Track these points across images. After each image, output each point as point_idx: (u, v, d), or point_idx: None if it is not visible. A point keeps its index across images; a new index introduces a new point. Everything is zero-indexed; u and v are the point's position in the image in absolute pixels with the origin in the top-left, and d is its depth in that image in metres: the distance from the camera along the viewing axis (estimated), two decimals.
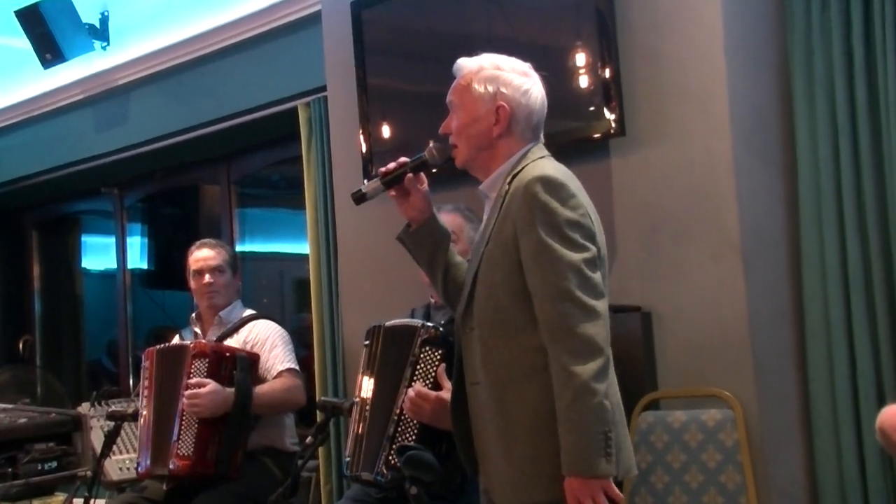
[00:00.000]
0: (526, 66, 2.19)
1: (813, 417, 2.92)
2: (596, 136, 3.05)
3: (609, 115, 3.03)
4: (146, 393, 3.37)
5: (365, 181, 3.74)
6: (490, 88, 2.12)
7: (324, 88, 4.04)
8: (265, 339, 3.48)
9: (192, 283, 3.62)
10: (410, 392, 2.53)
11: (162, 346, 3.51)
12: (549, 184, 2.01)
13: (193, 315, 3.69)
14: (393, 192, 2.23)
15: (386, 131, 3.69)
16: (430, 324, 2.67)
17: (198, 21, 4.70)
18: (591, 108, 3.07)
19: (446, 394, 2.47)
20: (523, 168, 2.09)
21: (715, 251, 2.88)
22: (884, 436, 1.78)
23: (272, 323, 3.58)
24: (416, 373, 2.57)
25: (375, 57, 3.69)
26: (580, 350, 1.93)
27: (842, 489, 2.85)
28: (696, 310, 2.92)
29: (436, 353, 2.58)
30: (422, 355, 2.59)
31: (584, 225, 2.01)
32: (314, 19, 4.13)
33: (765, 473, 2.81)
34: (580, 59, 3.09)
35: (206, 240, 3.74)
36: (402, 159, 2.22)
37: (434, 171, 2.26)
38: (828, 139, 2.90)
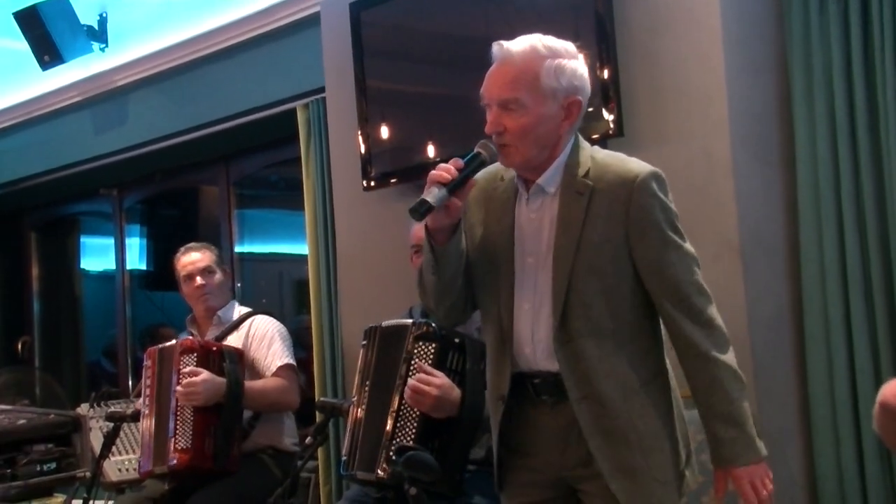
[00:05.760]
0: (573, 46, 2.00)
1: (812, 418, 2.92)
2: (594, 137, 3.04)
3: (607, 116, 3.03)
4: (148, 392, 3.38)
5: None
6: (562, 82, 1.93)
7: (322, 90, 4.04)
8: (264, 335, 3.49)
9: (185, 288, 3.62)
10: (412, 381, 2.50)
11: (162, 345, 3.51)
12: (660, 179, 1.96)
13: (189, 318, 3.69)
14: (458, 201, 1.95)
15: (384, 132, 3.69)
16: (421, 320, 2.66)
17: (196, 22, 4.70)
18: (590, 109, 3.03)
19: (446, 380, 2.49)
20: (593, 160, 1.97)
21: (714, 252, 2.87)
22: (886, 412, 1.69)
23: (271, 318, 3.59)
24: (412, 369, 2.57)
25: (374, 58, 3.68)
26: (722, 341, 1.96)
27: (841, 490, 2.85)
28: None
29: (429, 347, 2.57)
30: (415, 351, 2.58)
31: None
32: (313, 21, 4.13)
33: None
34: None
35: (191, 243, 3.73)
36: (458, 161, 1.96)
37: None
38: (827, 140, 2.90)
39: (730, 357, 1.96)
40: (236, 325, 3.56)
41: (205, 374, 3.23)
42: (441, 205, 1.93)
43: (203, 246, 3.70)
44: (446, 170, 1.94)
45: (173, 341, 3.68)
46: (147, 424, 3.34)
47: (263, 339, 3.48)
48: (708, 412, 1.96)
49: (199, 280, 3.56)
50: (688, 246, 1.97)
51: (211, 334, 3.58)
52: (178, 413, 3.24)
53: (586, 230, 1.92)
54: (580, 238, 1.92)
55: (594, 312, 1.93)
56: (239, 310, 3.64)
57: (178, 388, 3.23)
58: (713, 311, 1.97)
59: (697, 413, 2.01)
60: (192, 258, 3.60)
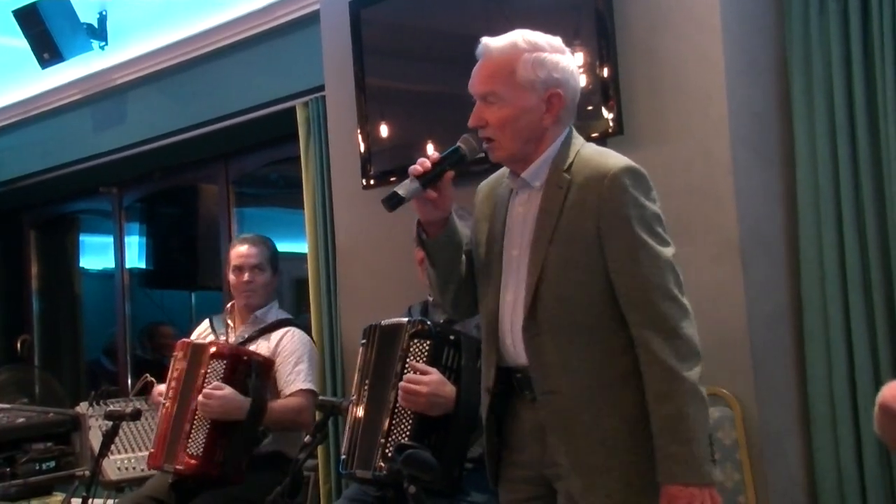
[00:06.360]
0: (560, 41, 2.00)
1: (811, 416, 2.92)
2: (594, 135, 3.05)
3: (607, 115, 3.03)
4: (173, 385, 3.33)
5: (363, 186, 3.74)
6: (540, 75, 1.93)
7: (322, 88, 4.04)
8: (293, 351, 3.47)
9: (231, 278, 3.60)
10: (402, 383, 2.53)
11: (195, 341, 3.50)
12: (636, 175, 1.91)
13: (228, 306, 3.68)
14: (434, 193, 1.97)
15: (384, 131, 3.69)
16: (417, 318, 2.69)
17: (196, 21, 4.70)
18: (590, 108, 3.06)
19: (437, 376, 2.51)
20: (577, 155, 1.95)
21: (713, 251, 2.88)
22: (886, 414, 1.65)
23: (305, 336, 3.56)
24: (406, 366, 2.59)
25: (374, 56, 3.68)
26: (686, 353, 1.86)
27: (840, 487, 2.85)
28: (694, 309, 2.86)
29: (424, 345, 2.59)
30: (410, 348, 2.60)
31: (663, 219, 1.93)
32: (313, 19, 4.13)
33: (763, 472, 2.81)
34: (578, 58, 3.08)
35: (248, 235, 3.71)
36: (435, 155, 1.98)
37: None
38: (826, 139, 2.90)
39: (693, 373, 1.86)
40: (269, 330, 3.53)
41: (226, 391, 3.18)
42: (414, 196, 1.96)
43: (260, 240, 3.65)
44: (421, 163, 1.97)
45: (206, 325, 3.69)
46: (164, 416, 3.31)
47: (291, 356, 3.45)
48: (656, 424, 1.86)
49: (246, 276, 3.54)
50: (663, 250, 1.90)
51: (243, 331, 3.57)
52: (196, 417, 3.21)
53: (561, 223, 1.92)
54: (554, 230, 1.93)
55: (566, 306, 1.92)
56: (277, 314, 3.62)
57: (199, 397, 3.19)
58: (682, 323, 1.88)
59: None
60: (246, 251, 3.57)
